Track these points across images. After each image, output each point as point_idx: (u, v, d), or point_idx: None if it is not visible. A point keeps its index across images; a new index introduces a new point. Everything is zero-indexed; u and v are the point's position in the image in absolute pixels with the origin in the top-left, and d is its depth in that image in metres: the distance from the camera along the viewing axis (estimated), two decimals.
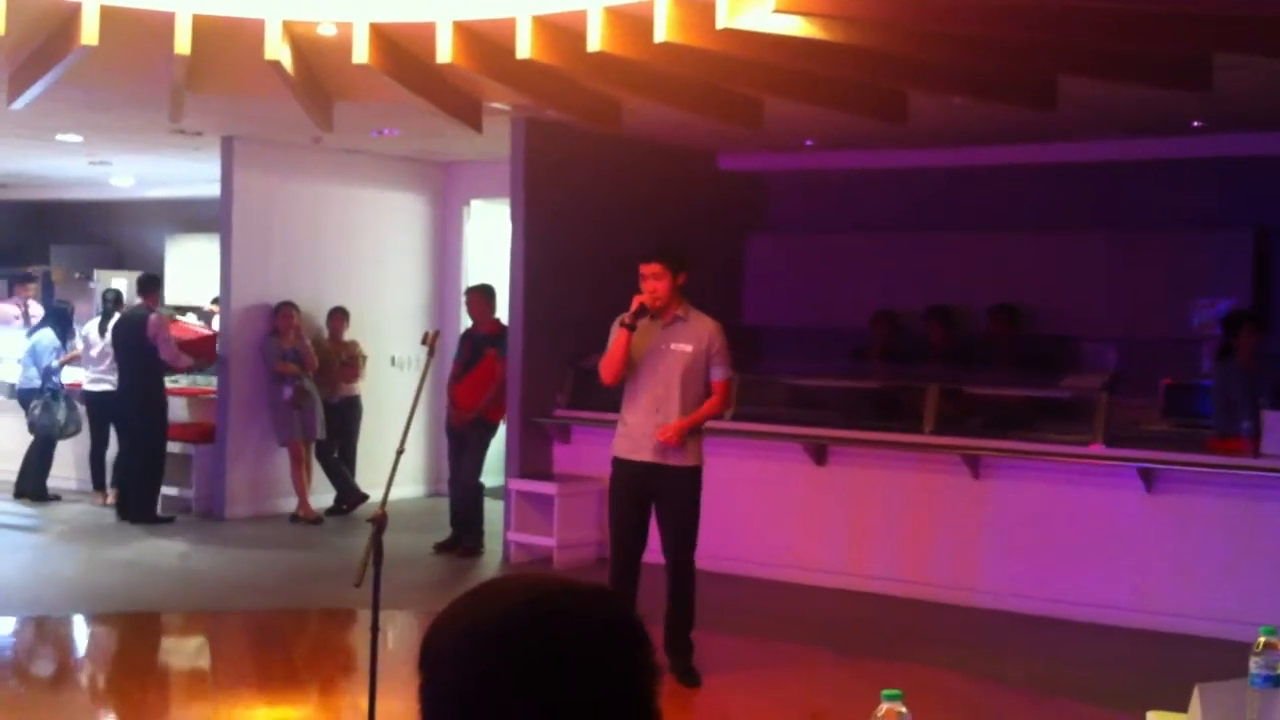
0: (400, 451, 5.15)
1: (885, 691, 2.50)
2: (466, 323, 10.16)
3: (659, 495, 6.29)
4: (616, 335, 6.21)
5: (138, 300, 10.81)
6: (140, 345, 10.33)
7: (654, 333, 6.24)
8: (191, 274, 13.84)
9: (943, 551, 8.34)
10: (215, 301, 11.97)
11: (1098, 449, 7.86)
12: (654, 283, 6.16)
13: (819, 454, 8.69)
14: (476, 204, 12.09)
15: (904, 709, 2.42)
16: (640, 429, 6.23)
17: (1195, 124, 8.76)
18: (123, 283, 12.52)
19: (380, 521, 4.96)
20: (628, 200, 9.71)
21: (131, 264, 13.92)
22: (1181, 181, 9.85)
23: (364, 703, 6.07)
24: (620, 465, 6.34)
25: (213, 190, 11.22)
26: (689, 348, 6.25)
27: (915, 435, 8.39)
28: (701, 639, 6.56)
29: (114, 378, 10.72)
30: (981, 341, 10.08)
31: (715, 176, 10.81)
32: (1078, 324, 10.14)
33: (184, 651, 7.82)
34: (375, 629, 4.99)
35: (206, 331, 11.45)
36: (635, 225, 9.68)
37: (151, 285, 10.90)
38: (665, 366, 6.23)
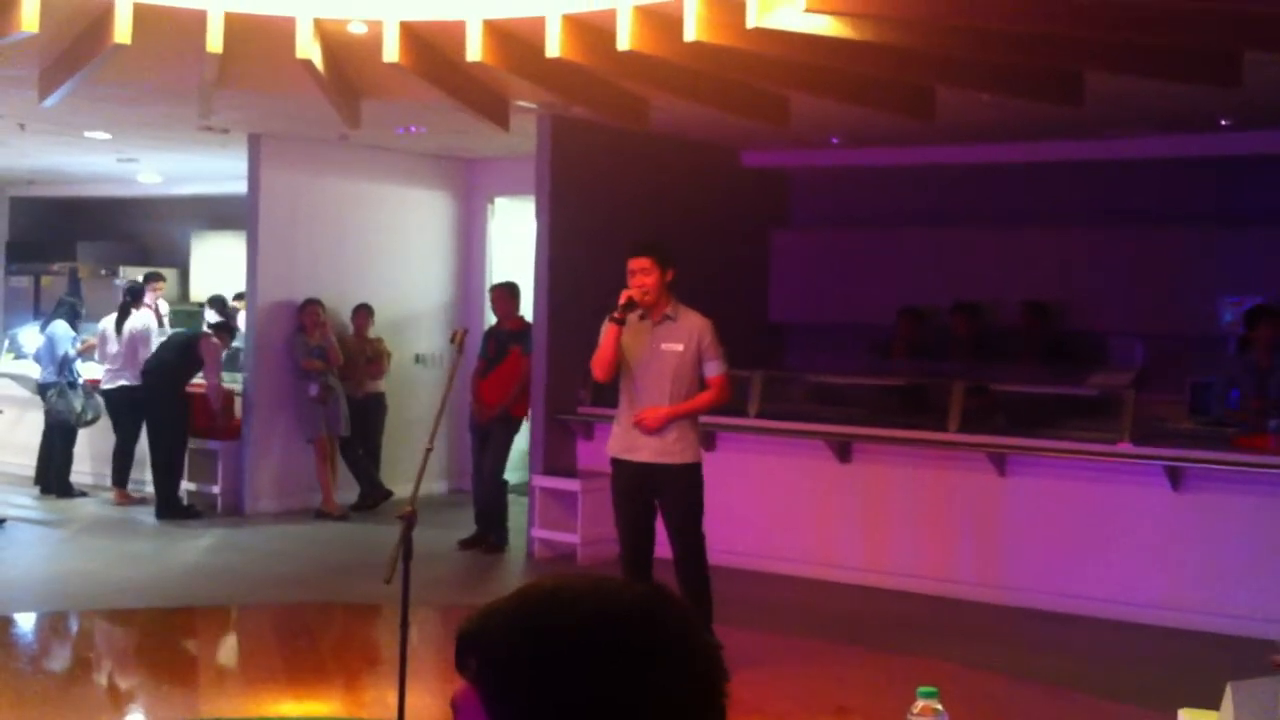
0: (429, 449, 5.17)
1: (921, 689, 2.52)
2: (491, 320, 10.18)
3: (660, 494, 6.28)
4: (606, 331, 6.18)
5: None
6: (184, 359, 10.48)
7: (645, 333, 6.21)
8: (216, 270, 13.92)
9: (968, 548, 8.33)
10: (238, 297, 12.03)
11: (1125, 447, 7.84)
12: (642, 278, 6.10)
13: (843, 451, 8.69)
14: (500, 201, 12.12)
15: (940, 706, 2.44)
16: (655, 432, 6.23)
17: (1223, 122, 8.73)
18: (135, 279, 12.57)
19: (410, 518, 4.98)
20: (652, 197, 9.72)
21: (157, 260, 13.97)
22: (1210, 178, 9.83)
23: (392, 697, 6.15)
24: (619, 465, 6.32)
25: (237, 187, 11.28)
26: (679, 347, 6.22)
27: (940, 433, 8.38)
28: (726, 634, 6.53)
29: (131, 373, 10.79)
30: (1008, 337, 10.08)
31: (739, 173, 10.82)
32: (1105, 320, 10.13)
33: (212, 646, 7.87)
34: (405, 624, 5.01)
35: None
36: (659, 222, 9.70)
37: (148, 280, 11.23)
38: (657, 367, 6.20)
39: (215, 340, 10.75)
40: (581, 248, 9.42)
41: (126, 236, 14.80)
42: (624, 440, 6.28)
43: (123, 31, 5.57)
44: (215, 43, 5.72)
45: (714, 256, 9.98)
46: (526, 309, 9.62)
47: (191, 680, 6.88)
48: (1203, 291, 9.89)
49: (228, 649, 7.78)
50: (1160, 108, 7.96)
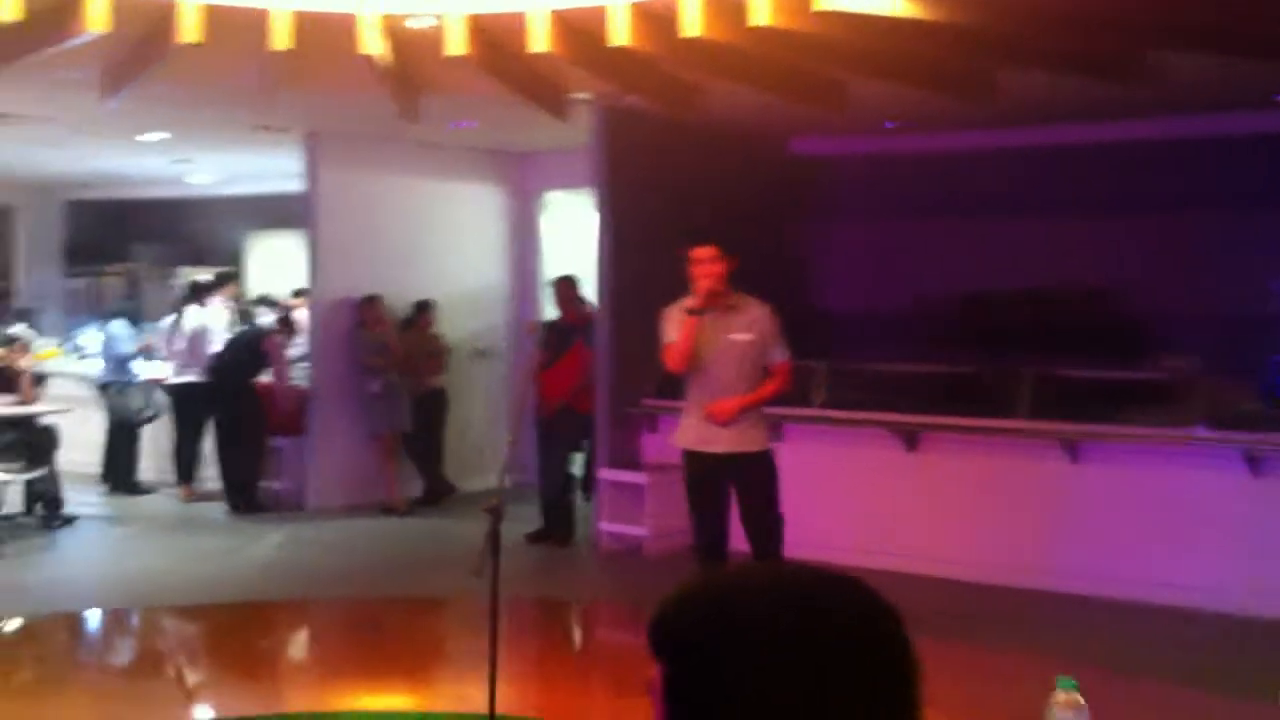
0: (512, 441, 5.15)
1: (1061, 680, 2.46)
2: (550, 313, 10.15)
3: (740, 482, 6.25)
4: (684, 323, 6.10)
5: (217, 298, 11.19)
6: (252, 356, 10.53)
7: (711, 323, 6.15)
8: (271, 269, 13.98)
9: (1041, 538, 8.22)
10: (296, 294, 12.06)
11: (1201, 431, 7.71)
12: (710, 266, 6.07)
13: (910, 440, 8.60)
14: (551, 195, 12.08)
15: (1081, 698, 2.37)
16: (731, 422, 6.18)
17: (1277, 97, 8.56)
18: (204, 278, 12.62)
19: (497, 511, 4.93)
20: (701, 186, 9.65)
21: (212, 260, 14.04)
22: (1266, 157, 9.61)
23: (470, 690, 6.13)
24: (694, 458, 6.26)
25: (289, 186, 11.31)
26: (749, 336, 6.21)
27: (1010, 420, 8.27)
28: None
29: (196, 369, 10.89)
30: (1068, 324, 9.92)
31: (787, 161, 10.74)
32: (1165, 304, 9.94)
33: (288, 640, 7.89)
34: (494, 617, 4.96)
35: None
36: (709, 211, 9.62)
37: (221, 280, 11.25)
38: (728, 356, 6.18)
39: (279, 338, 10.80)
40: (639, 239, 9.37)
41: (181, 238, 14.89)
42: (698, 432, 6.23)
43: (191, 30, 5.56)
44: (283, 39, 5.70)
45: (762, 245, 9.89)
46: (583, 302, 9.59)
47: (269, 674, 6.88)
48: (1259, 272, 9.69)
49: (303, 643, 7.81)
50: (1216, 81, 7.78)
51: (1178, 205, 9.91)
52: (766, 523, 6.28)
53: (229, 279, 11.94)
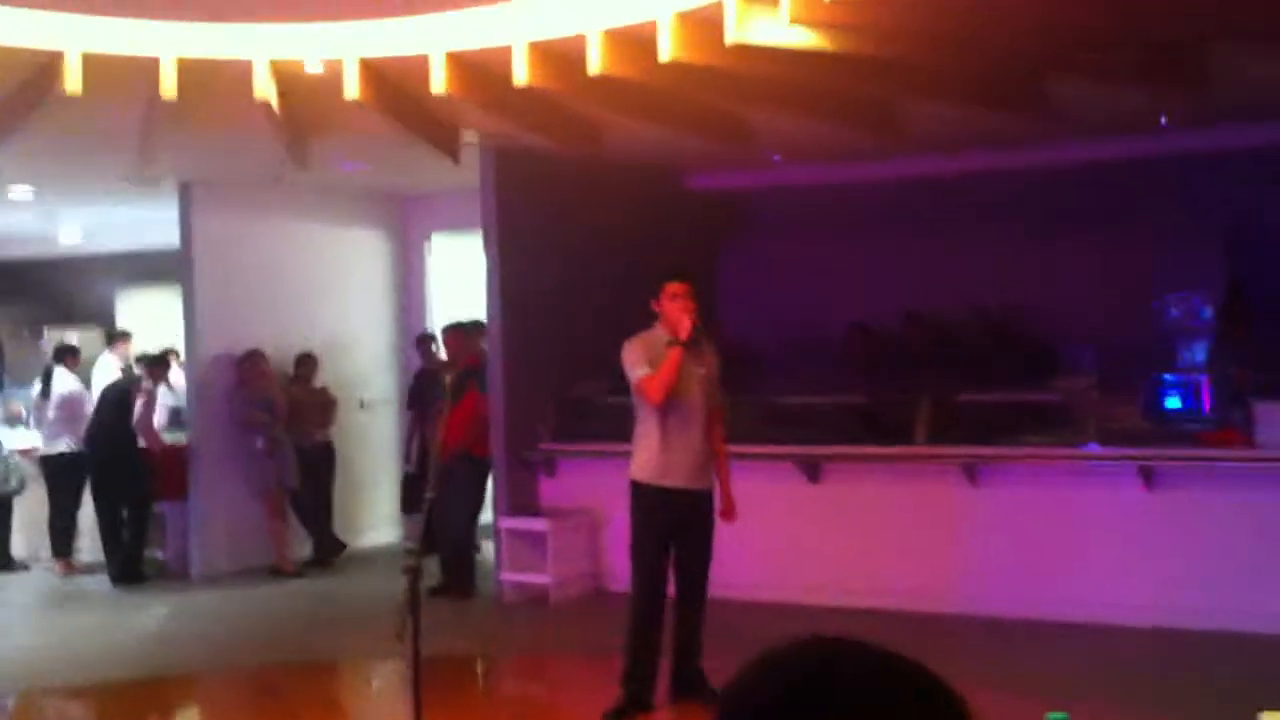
0: (431, 496, 4.98)
1: (1051, 715, 2.42)
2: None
3: (692, 523, 6.21)
4: (670, 355, 6.02)
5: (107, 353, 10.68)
6: (123, 411, 10.15)
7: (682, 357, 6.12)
8: (145, 326, 13.52)
9: (945, 562, 8.27)
10: (168, 354, 11.66)
11: (1094, 449, 7.85)
12: (687, 301, 6.08)
13: (812, 471, 8.60)
14: (437, 237, 11.92)
15: None
16: (694, 456, 6.14)
17: (1162, 121, 8.82)
18: (73, 339, 12.15)
19: (416, 571, 4.77)
20: (597, 225, 9.61)
21: (81, 319, 13.58)
22: (1150, 180, 9.88)
23: None
24: (666, 495, 6.16)
25: (162, 240, 10.97)
26: (706, 371, 6.24)
27: (909, 447, 8.34)
28: (720, 670, 6.45)
29: (70, 438, 10.46)
30: (961, 347, 10.06)
31: (684, 196, 10.74)
32: (1055, 326, 10.14)
33: (189, 715, 7.57)
34: (417, 681, 4.80)
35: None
36: (607, 249, 9.59)
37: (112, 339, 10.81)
38: (698, 391, 6.18)
39: (147, 383, 10.40)
40: (532, 280, 9.27)
41: (49, 296, 14.38)
42: (679, 470, 6.15)
43: (73, 81, 5.34)
44: (169, 88, 5.51)
45: (658, 281, 9.86)
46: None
47: None
48: (1147, 293, 9.96)
49: (199, 718, 7.48)
50: (1106, 108, 7.98)
51: (1067, 229, 10.14)
52: (706, 562, 6.29)
53: (119, 338, 11.44)
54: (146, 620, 9.07)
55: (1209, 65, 6.08)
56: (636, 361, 6.10)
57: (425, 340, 11.01)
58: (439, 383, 9.69)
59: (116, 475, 10.19)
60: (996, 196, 10.35)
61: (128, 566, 10.16)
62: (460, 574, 9.21)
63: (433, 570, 9.28)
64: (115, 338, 11.41)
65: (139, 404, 10.23)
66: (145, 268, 13.39)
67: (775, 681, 1.23)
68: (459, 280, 11.67)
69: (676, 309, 6.05)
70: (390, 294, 11.89)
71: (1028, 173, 10.05)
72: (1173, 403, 9.22)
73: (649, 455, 6.17)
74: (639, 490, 6.20)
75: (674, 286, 6.09)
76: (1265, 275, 9.48)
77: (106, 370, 10.90)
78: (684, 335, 6.02)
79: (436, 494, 5.02)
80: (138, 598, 9.71)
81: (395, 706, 7.15)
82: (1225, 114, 8.25)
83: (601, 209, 9.68)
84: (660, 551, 6.20)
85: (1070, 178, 10.00)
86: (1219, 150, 9.23)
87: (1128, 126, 8.93)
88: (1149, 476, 7.71)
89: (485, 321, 9.48)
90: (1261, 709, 3.45)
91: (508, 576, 9.05)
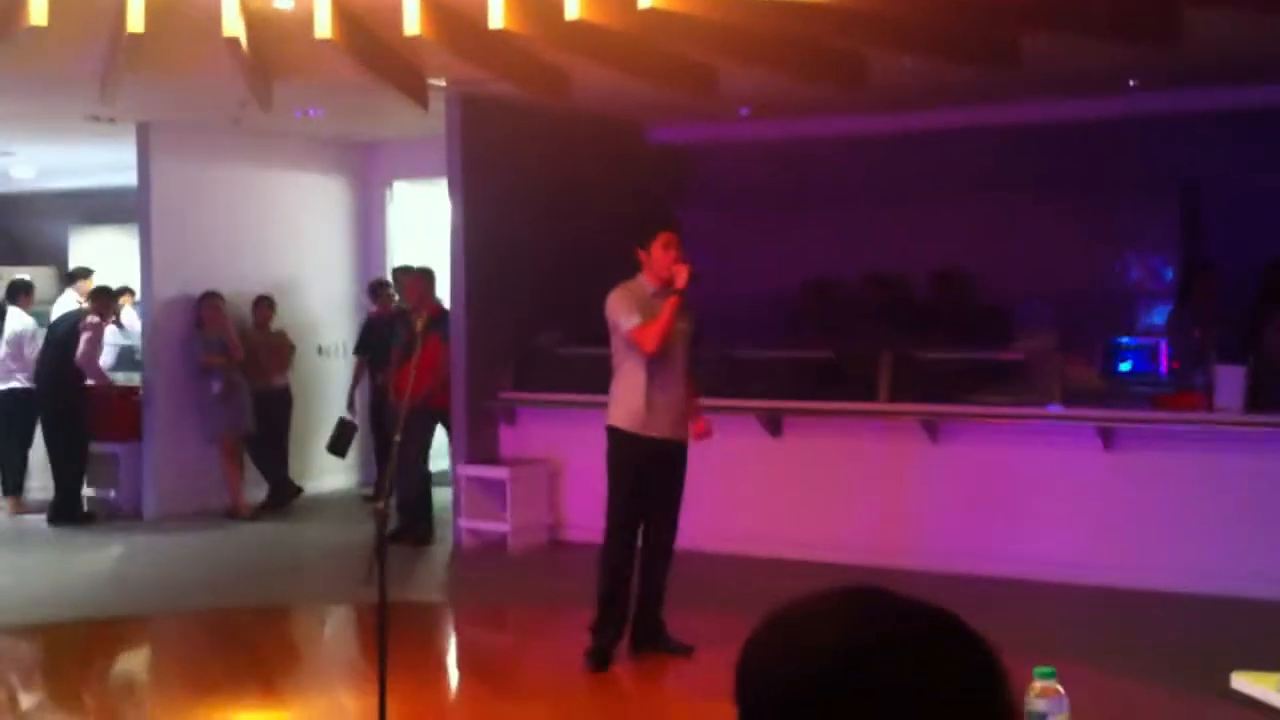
0: (398, 439, 4.95)
1: (1038, 669, 2.43)
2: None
3: (669, 474, 6.21)
4: (667, 303, 5.98)
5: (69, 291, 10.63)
6: (68, 349, 10.00)
7: (659, 307, 6.06)
8: (98, 266, 13.30)
9: (904, 518, 8.33)
10: (121, 293, 11.49)
11: (1055, 409, 7.92)
12: (679, 251, 6.05)
13: (774, 425, 8.63)
14: (399, 185, 11.81)
15: (1060, 687, 2.35)
16: (675, 407, 6.15)
17: (1131, 82, 8.84)
18: (25, 277, 11.94)
19: (383, 516, 4.75)
20: (559, 175, 9.54)
21: (33, 258, 13.35)
22: (1111, 142, 9.92)
23: (347, 701, 5.94)
24: (647, 444, 6.13)
25: (117, 180, 10.81)
26: (687, 325, 6.22)
27: (872, 403, 8.37)
28: (682, 618, 6.48)
29: (22, 375, 10.33)
30: (919, 307, 10.08)
31: (646, 148, 10.68)
32: (1013, 286, 10.17)
33: (138, 658, 7.51)
34: (383, 627, 4.78)
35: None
36: (569, 200, 9.54)
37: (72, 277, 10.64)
38: (683, 342, 6.18)
39: (93, 317, 10.24)
40: (495, 231, 9.20)
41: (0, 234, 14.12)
42: (662, 418, 6.13)
43: (39, 12, 5.21)
44: (136, 22, 5.38)
45: (622, 233, 9.82)
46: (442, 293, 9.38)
47: (122, 696, 6.52)
48: (1106, 254, 10.02)
49: (154, 660, 7.42)
50: (1074, 66, 7.98)
51: (1028, 188, 10.15)
52: (677, 514, 6.32)
53: (80, 275, 11.23)
54: (97, 561, 9.00)
55: (1183, 22, 6.08)
56: (627, 311, 6.03)
57: (380, 286, 10.92)
58: (394, 329, 9.62)
59: (57, 411, 10.07)
60: (958, 155, 10.34)
61: (62, 506, 10.05)
62: (417, 520, 9.18)
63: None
64: (76, 275, 11.21)
65: (83, 339, 10.05)
66: (99, 206, 13.17)
67: (803, 662, 1.11)
68: (419, 228, 11.58)
69: (669, 259, 6.02)
70: (350, 241, 11.78)
71: (989, 131, 10.05)
72: (1129, 365, 9.31)
73: (634, 405, 6.11)
74: (621, 437, 6.15)
75: (667, 236, 6.07)
76: (1224, 238, 9.58)
77: (67, 309, 10.74)
78: (681, 284, 5.99)
79: (399, 438, 4.97)
80: (87, 538, 9.62)
81: (353, 651, 7.16)
82: (1194, 75, 8.28)
83: (564, 159, 9.61)
84: (637, 501, 6.18)
85: (1033, 137, 10.01)
86: (1181, 112, 9.27)
87: (1094, 87, 8.95)
88: (1108, 437, 7.79)
89: (432, 270, 9.41)
90: (1231, 670, 3.51)
91: (466, 524, 9.04)
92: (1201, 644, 6.59)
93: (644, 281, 6.14)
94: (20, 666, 7.07)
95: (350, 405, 10.84)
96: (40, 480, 10.62)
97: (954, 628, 1.15)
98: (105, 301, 10.45)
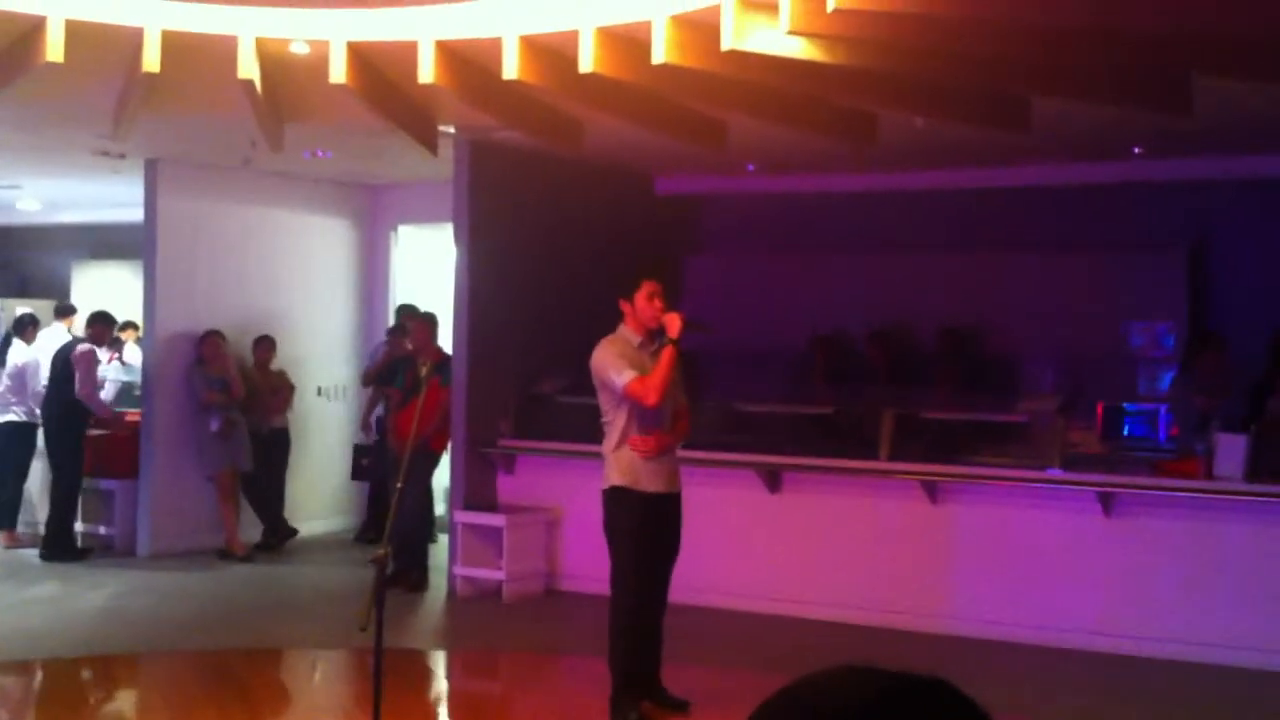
0: (400, 486, 4.92)
1: None
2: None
3: (668, 526, 6.15)
4: (664, 355, 5.88)
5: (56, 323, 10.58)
6: (66, 382, 9.97)
7: (649, 359, 6.00)
8: (100, 301, 13.32)
9: (902, 578, 8.28)
10: (124, 327, 11.51)
11: (1055, 473, 7.89)
12: (662, 300, 5.97)
13: (773, 481, 8.60)
14: (404, 229, 11.83)
15: None
16: (669, 461, 6.09)
17: (1136, 149, 8.89)
18: (31, 311, 11.95)
19: (382, 562, 4.72)
20: (565, 223, 9.57)
21: (36, 291, 13.36)
22: (1119, 205, 9.96)
23: None
24: (649, 500, 6.03)
25: (123, 215, 10.82)
26: (678, 374, 6.13)
27: (871, 461, 8.34)
28: (676, 673, 6.43)
29: (22, 408, 10.31)
30: (924, 363, 10.08)
31: (653, 198, 10.72)
32: (1017, 345, 10.19)
33: (128, 696, 7.44)
34: (379, 673, 4.74)
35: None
36: (575, 248, 9.56)
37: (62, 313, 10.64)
38: (670, 393, 6.06)
39: (87, 345, 10.20)
40: (500, 276, 9.21)
41: (3, 266, 14.13)
42: (660, 475, 6.04)
43: (55, 49, 5.24)
44: (152, 61, 5.41)
45: (625, 282, 9.84)
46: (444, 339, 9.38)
47: None
48: (1112, 316, 10.03)
49: (145, 699, 7.35)
50: (1083, 132, 8.04)
51: (1033, 249, 10.19)
52: (673, 565, 6.24)
53: (69, 311, 11.24)
54: (91, 598, 8.92)
55: (1193, 89, 6.12)
56: (618, 365, 5.87)
57: (397, 330, 10.89)
58: (397, 371, 9.62)
59: (53, 446, 10.04)
60: (964, 214, 10.40)
61: (50, 541, 9.99)
62: (412, 565, 9.13)
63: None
64: (63, 311, 11.24)
65: (78, 374, 9.99)
66: (103, 241, 13.18)
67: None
68: (423, 272, 11.60)
69: (656, 309, 5.94)
70: (353, 283, 11.79)
71: (996, 193, 10.10)
72: (1131, 430, 9.29)
73: (633, 462, 5.99)
74: (622, 496, 6.00)
75: (651, 285, 5.96)
76: (1231, 302, 9.60)
77: (54, 342, 10.72)
78: (674, 333, 5.89)
79: (402, 485, 4.94)
80: (85, 574, 9.56)
81: (346, 697, 7.09)
82: (1202, 142, 8.32)
83: (571, 207, 9.65)
84: (648, 560, 6.06)
85: (1039, 199, 10.06)
86: (1189, 178, 9.32)
87: (1101, 152, 9.00)
88: (1108, 503, 7.76)
89: (436, 316, 9.40)
90: None
91: (461, 570, 8.99)
92: (1200, 713, 6.54)
93: (627, 332, 6.04)
94: (10, 702, 7.01)
95: (375, 430, 10.69)
96: (35, 514, 10.56)
97: (948, 690, 1.17)
98: (102, 329, 10.40)
